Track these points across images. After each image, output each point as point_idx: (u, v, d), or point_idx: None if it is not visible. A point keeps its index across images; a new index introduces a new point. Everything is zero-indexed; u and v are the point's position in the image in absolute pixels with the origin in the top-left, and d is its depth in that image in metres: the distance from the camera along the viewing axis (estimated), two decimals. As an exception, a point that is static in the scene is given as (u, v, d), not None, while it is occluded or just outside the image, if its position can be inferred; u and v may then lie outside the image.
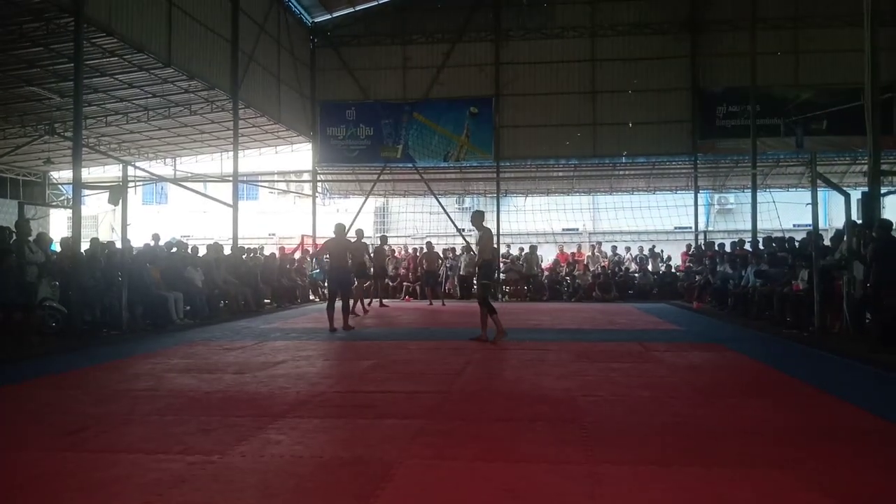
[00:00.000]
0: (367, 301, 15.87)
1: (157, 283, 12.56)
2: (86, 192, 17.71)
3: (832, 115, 20.43)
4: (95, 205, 27.09)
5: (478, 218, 10.03)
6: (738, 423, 5.04)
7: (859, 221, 10.53)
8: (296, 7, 21.69)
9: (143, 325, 11.62)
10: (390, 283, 20.56)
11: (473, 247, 10.11)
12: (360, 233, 16.37)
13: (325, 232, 23.71)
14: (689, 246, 21.76)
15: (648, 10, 21.75)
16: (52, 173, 25.82)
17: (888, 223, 9.40)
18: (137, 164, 21.92)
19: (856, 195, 11.89)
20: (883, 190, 12.10)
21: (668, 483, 3.72)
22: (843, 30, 19.59)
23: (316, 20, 22.89)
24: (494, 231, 22.50)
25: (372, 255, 16.80)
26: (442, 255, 20.75)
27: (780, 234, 17.36)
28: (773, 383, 6.73)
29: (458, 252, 21.56)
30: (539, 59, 22.12)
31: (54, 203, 25.26)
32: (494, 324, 9.57)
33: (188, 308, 13.23)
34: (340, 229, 12.12)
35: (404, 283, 21.02)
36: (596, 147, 22.24)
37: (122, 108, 18.95)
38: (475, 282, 10.28)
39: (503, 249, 22.28)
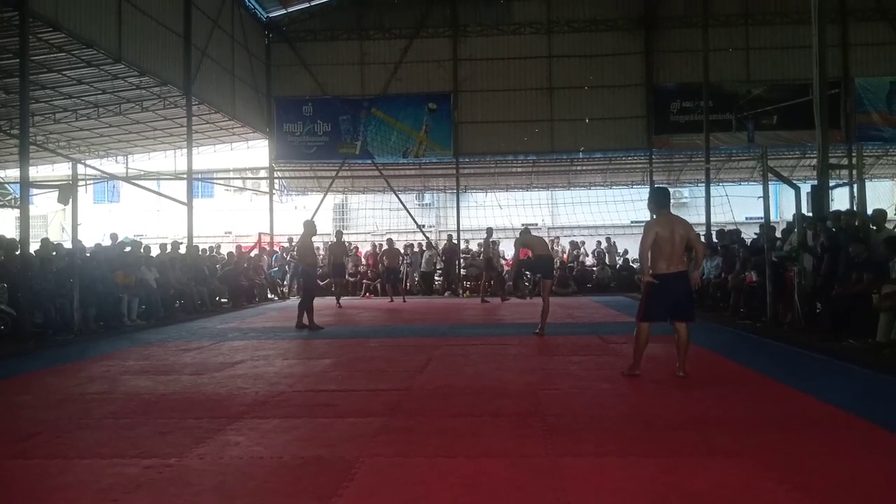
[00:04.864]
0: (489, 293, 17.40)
1: (128, 286, 12.40)
2: (34, 191, 17.10)
3: (782, 110, 20.99)
4: (44, 204, 26.31)
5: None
6: (694, 413, 5.13)
7: (809, 214, 10.81)
8: (250, 2, 21.36)
9: (95, 328, 11.34)
10: (350, 280, 20.49)
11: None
12: (489, 231, 17.83)
13: (283, 229, 23.54)
14: None
15: (604, 6, 21.98)
16: (-3, 172, 25.00)
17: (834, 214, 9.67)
18: (88, 161, 21.29)
19: (805, 188, 12.19)
20: (831, 183, 12.45)
21: (627, 474, 3.77)
22: (792, 27, 20.14)
23: (271, 15, 22.57)
24: (454, 227, 22.72)
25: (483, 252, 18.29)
26: (402, 252, 20.70)
27: (733, 227, 17.72)
28: (728, 373, 6.87)
29: (416, 249, 21.58)
30: (496, 55, 22.19)
31: (1, 203, 24.48)
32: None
33: (143, 308, 12.98)
34: (311, 226, 11.85)
35: (364, 281, 20.92)
36: (554, 143, 22.41)
37: (70, 105, 18.43)
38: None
39: (462, 245, 22.35)
